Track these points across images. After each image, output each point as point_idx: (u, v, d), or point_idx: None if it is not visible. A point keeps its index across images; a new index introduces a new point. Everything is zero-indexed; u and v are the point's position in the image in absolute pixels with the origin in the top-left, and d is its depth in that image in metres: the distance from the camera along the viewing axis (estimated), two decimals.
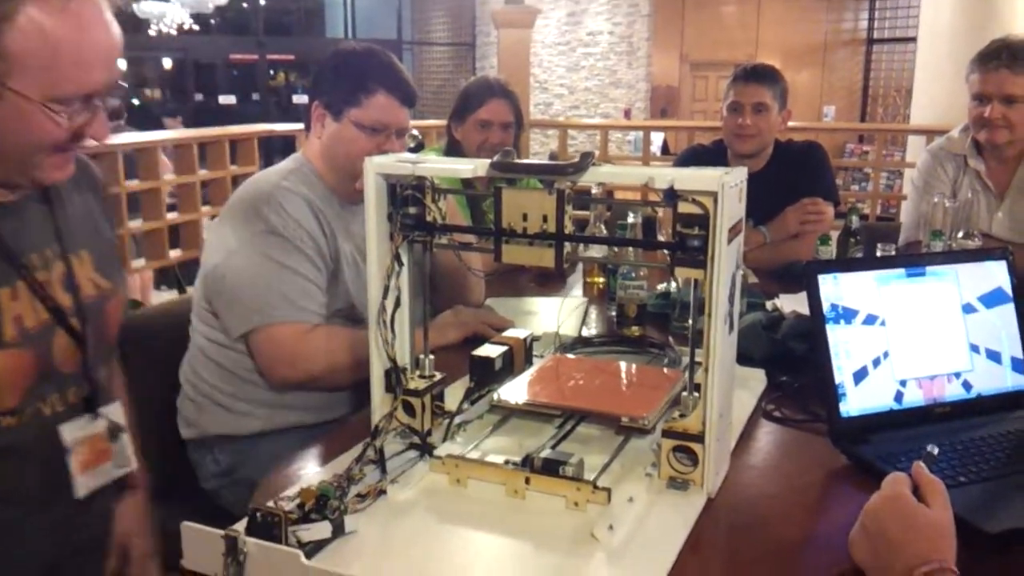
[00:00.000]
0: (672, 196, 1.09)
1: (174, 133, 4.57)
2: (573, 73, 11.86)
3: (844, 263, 1.64)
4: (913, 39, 7.64)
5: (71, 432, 1.21)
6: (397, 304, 1.27)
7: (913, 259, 1.44)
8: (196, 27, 12.36)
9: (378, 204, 1.25)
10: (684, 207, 1.09)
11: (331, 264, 1.78)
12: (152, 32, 11.56)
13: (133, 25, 11.81)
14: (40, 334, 1.16)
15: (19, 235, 1.16)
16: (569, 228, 1.18)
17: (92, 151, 3.69)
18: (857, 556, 0.99)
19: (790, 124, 2.74)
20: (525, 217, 1.18)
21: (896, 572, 0.93)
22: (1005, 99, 2.35)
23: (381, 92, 1.80)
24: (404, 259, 1.27)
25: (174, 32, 11.63)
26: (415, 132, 2.01)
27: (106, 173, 3.49)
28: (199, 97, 13.23)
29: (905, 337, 1.36)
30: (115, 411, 1.28)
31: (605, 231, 2.21)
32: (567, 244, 1.18)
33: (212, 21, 13.59)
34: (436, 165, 1.24)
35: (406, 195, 1.24)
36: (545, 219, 1.17)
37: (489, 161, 1.18)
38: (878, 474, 1.20)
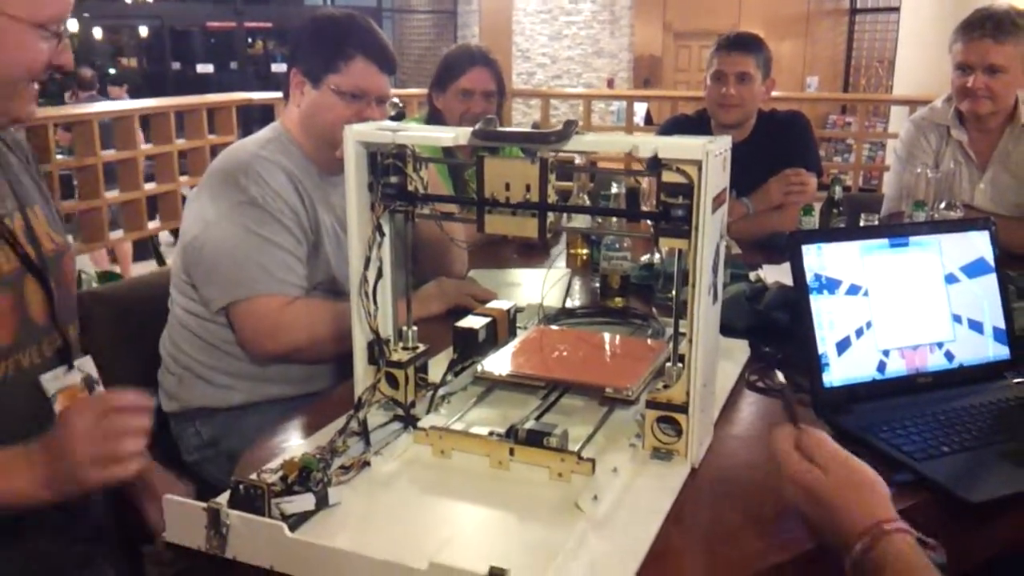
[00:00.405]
0: (656, 165, 1.08)
1: (153, 102, 4.48)
2: (555, 42, 11.77)
3: (827, 233, 1.64)
4: (896, 9, 7.63)
5: (51, 382, 1.22)
6: (379, 275, 1.26)
7: (896, 229, 1.44)
8: None
9: (358, 173, 1.23)
10: (668, 176, 1.08)
11: (311, 236, 1.76)
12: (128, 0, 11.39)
13: None
14: (14, 279, 1.17)
15: None
16: (552, 198, 1.17)
17: (70, 119, 3.63)
18: (816, 541, 0.97)
19: (773, 94, 2.73)
20: (508, 187, 1.17)
21: (838, 549, 0.90)
22: (988, 69, 2.34)
23: (360, 58, 1.77)
24: (386, 229, 1.26)
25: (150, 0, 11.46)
26: (396, 100, 1.99)
27: (83, 142, 3.45)
28: (176, 66, 13.03)
29: (888, 307, 1.36)
30: (88, 364, 1.29)
31: (588, 202, 2.20)
32: (550, 214, 1.17)
33: None
34: (417, 133, 1.23)
35: (387, 164, 1.22)
36: (528, 188, 1.16)
37: (471, 129, 1.17)
38: (862, 444, 1.22)
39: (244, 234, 1.66)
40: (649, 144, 1.08)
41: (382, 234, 1.25)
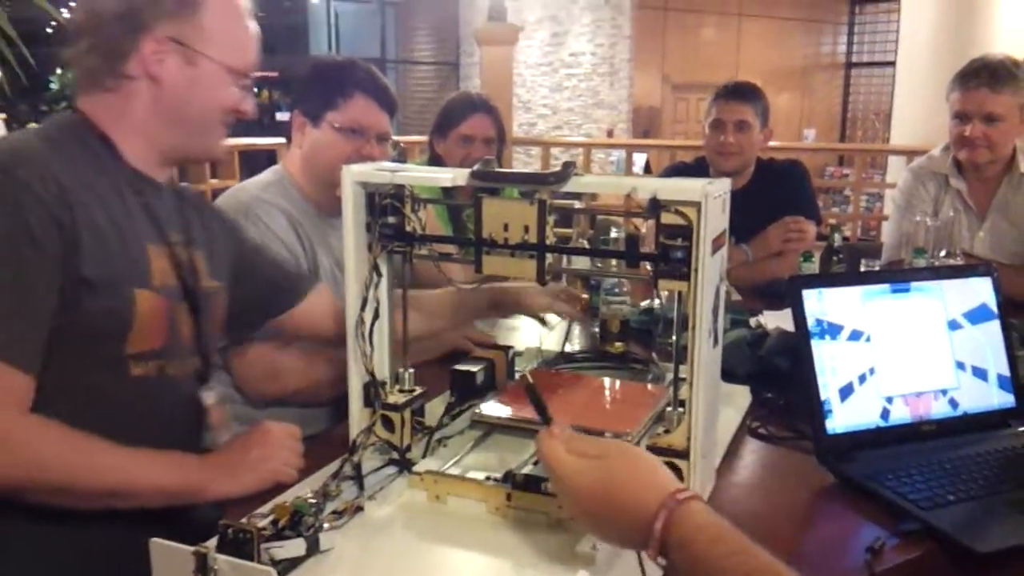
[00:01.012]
0: (655, 207, 1.07)
1: None
2: (556, 93, 11.89)
3: (829, 278, 1.62)
4: (892, 63, 7.72)
5: (207, 396, 1.33)
6: (376, 316, 1.24)
7: (898, 274, 1.43)
8: None
9: (356, 213, 1.22)
10: (667, 218, 1.07)
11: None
12: None
13: None
14: (171, 294, 1.25)
15: (160, 212, 1.29)
16: (551, 239, 1.16)
17: None
18: (609, 543, 0.93)
19: (770, 144, 2.74)
20: (506, 227, 1.16)
21: (638, 538, 0.84)
22: (985, 118, 2.35)
23: (359, 94, 1.80)
24: (383, 270, 1.25)
25: None
26: (397, 140, 2.00)
27: None
28: None
29: (891, 353, 1.34)
30: (222, 389, 1.41)
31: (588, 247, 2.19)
32: (549, 256, 1.16)
33: None
34: (415, 173, 1.22)
35: (385, 204, 1.22)
36: (527, 230, 1.15)
37: (470, 170, 1.16)
38: (867, 492, 1.19)
39: None
40: (649, 186, 1.08)
41: (379, 274, 1.24)
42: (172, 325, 1.26)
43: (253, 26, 1.33)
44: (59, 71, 10.07)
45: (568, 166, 1.13)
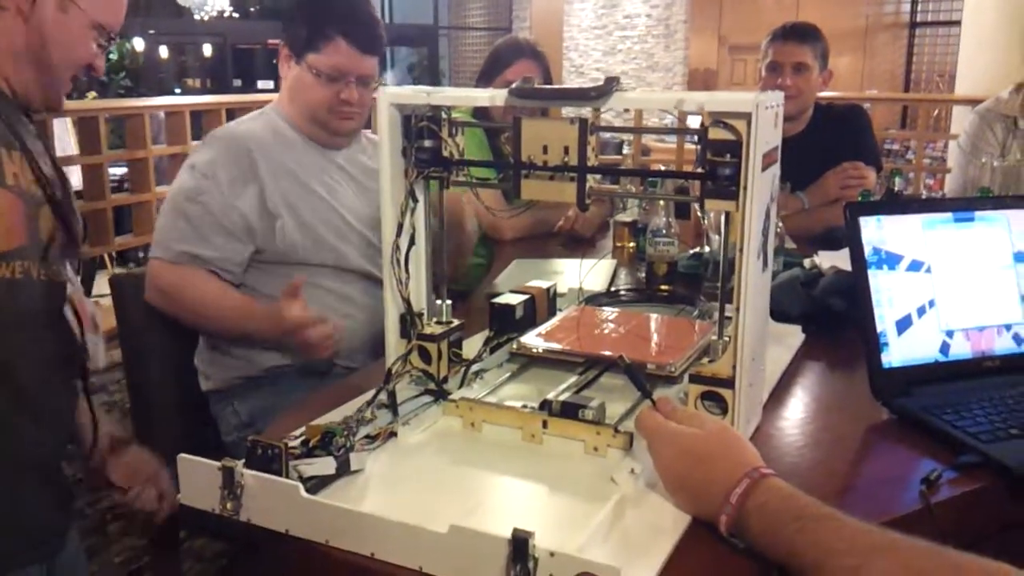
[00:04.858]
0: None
1: (206, 98, 4.38)
2: (609, 57, 11.71)
3: (888, 206, 1.54)
4: (957, 23, 7.42)
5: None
6: (411, 243, 1.21)
7: (961, 203, 1.35)
8: (236, 15, 12.41)
9: (391, 138, 1.19)
10: (715, 133, 1.02)
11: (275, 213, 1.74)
12: (196, 17, 11.63)
13: (175, 11, 11.91)
14: (30, 196, 1.17)
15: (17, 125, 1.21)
16: (592, 161, 1.11)
17: (123, 111, 3.64)
18: (687, 510, 0.93)
19: (829, 94, 2.64)
20: (545, 150, 1.12)
21: (717, 503, 0.87)
22: None
23: (340, 39, 1.76)
24: (419, 196, 1.21)
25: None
26: (384, 81, 1.97)
27: (134, 137, 3.47)
28: (237, 83, 13.25)
29: (952, 285, 1.27)
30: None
31: (637, 202, 2.14)
32: (590, 179, 1.12)
33: (251, 9, 13.61)
34: (452, 93, 1.18)
35: (421, 128, 1.18)
36: (567, 151, 1.11)
37: (508, 89, 1.12)
38: (923, 425, 1.13)
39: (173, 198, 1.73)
40: (696, 98, 1.02)
41: (415, 200, 1.21)
42: (31, 228, 1.17)
43: None
44: None
45: (611, 81, 1.08)
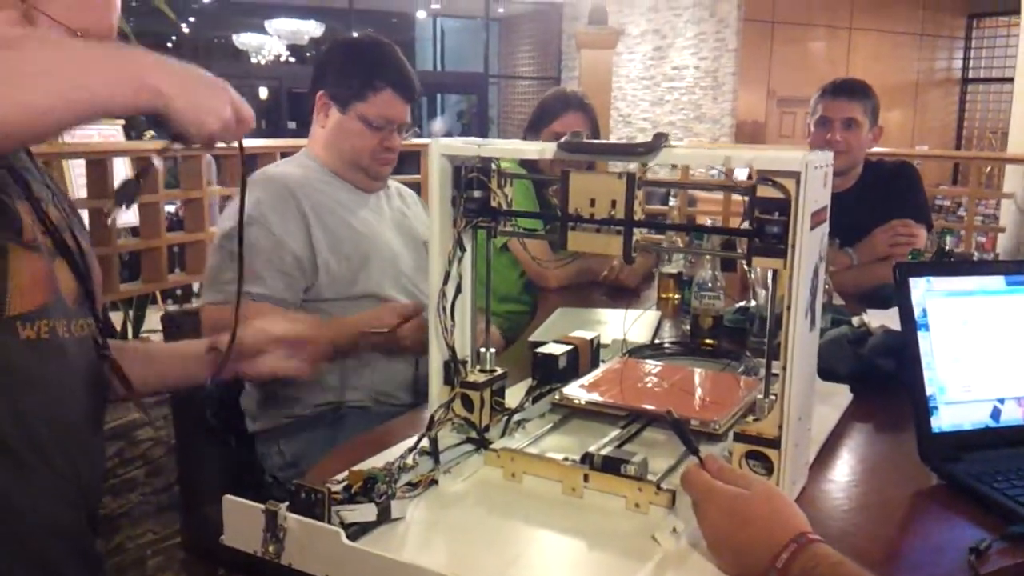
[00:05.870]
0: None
1: (261, 142, 4.44)
2: (657, 107, 11.78)
3: (938, 267, 1.53)
4: (1010, 79, 7.37)
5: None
6: (458, 291, 1.22)
7: (1014, 266, 1.33)
8: (292, 59, 12.74)
9: (442, 187, 1.21)
10: (764, 191, 1.02)
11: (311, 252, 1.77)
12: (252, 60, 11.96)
13: (233, 53, 12.27)
14: (46, 250, 1.15)
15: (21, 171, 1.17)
16: (639, 215, 1.12)
17: (138, 152, 3.70)
18: (730, 573, 0.91)
19: (880, 150, 2.62)
20: (593, 203, 1.13)
21: (761, 568, 0.86)
22: None
23: (389, 89, 1.85)
24: (467, 245, 1.23)
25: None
26: (416, 128, 2.03)
27: (189, 176, 3.55)
28: (292, 125, 13.55)
29: (1003, 351, 1.25)
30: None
31: (683, 256, 2.14)
32: (636, 232, 1.12)
33: (308, 54, 13.96)
34: (502, 146, 1.20)
35: (471, 178, 1.20)
36: (614, 205, 1.11)
37: (557, 143, 1.13)
38: (971, 493, 1.11)
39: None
40: (744, 156, 1.03)
41: (463, 249, 1.22)
42: (53, 286, 1.15)
43: None
44: None
45: (659, 137, 1.09)
